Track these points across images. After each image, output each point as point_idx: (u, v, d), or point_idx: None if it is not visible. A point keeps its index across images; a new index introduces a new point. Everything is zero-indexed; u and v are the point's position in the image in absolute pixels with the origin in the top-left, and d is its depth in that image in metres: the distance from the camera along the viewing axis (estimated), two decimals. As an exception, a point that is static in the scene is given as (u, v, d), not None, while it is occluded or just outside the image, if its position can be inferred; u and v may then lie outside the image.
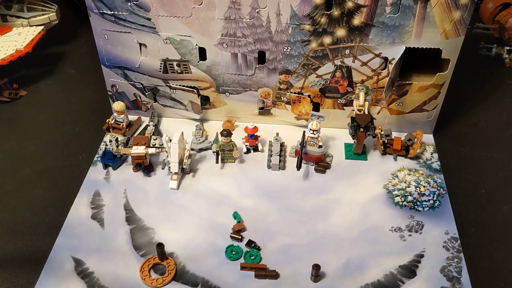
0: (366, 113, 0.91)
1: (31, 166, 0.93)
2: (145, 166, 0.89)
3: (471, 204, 0.86)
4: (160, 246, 0.74)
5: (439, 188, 0.88)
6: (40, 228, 0.82)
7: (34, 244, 0.80)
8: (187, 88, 0.96)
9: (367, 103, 0.91)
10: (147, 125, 1.00)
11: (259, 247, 0.78)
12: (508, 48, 1.19)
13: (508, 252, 0.80)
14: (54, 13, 1.19)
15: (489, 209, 0.86)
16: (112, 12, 0.88)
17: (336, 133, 0.98)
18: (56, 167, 0.93)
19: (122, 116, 0.97)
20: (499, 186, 0.90)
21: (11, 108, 1.07)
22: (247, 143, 0.94)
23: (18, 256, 0.78)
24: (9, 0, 1.19)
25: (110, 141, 0.91)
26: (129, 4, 0.86)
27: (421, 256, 0.78)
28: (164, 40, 0.90)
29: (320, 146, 0.90)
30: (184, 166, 0.89)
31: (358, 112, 0.91)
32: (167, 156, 0.88)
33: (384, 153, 0.94)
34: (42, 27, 1.17)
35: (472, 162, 0.94)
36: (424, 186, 0.88)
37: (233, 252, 0.77)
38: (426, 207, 0.85)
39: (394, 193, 0.87)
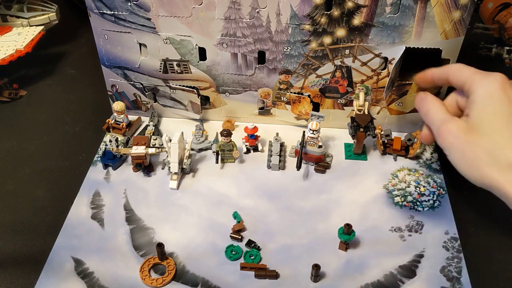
0: (366, 113, 0.91)
1: (31, 166, 0.93)
2: (145, 166, 0.90)
3: (471, 204, 0.86)
4: (160, 246, 0.74)
5: (439, 188, 0.88)
6: (40, 228, 0.82)
7: (34, 244, 0.80)
8: (187, 88, 0.96)
9: (367, 103, 0.92)
10: (147, 125, 1.00)
11: (259, 247, 0.78)
12: (508, 48, 1.19)
13: (508, 252, 0.80)
14: (54, 13, 1.19)
15: (489, 209, 0.85)
16: (112, 12, 0.88)
17: (336, 133, 0.98)
18: (56, 167, 0.93)
19: (122, 116, 0.97)
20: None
21: (11, 108, 1.07)
22: (247, 143, 0.94)
23: (18, 256, 0.78)
24: (9, 0, 1.19)
25: (110, 141, 0.91)
26: (129, 4, 0.86)
27: (421, 256, 0.78)
28: (164, 40, 0.90)
29: (320, 146, 0.90)
30: (184, 166, 0.89)
31: (358, 112, 0.91)
32: (167, 156, 0.88)
33: (384, 153, 0.94)
34: (42, 27, 1.17)
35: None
36: (424, 186, 0.88)
37: (233, 252, 0.77)
38: (426, 207, 0.85)
39: (394, 193, 0.87)
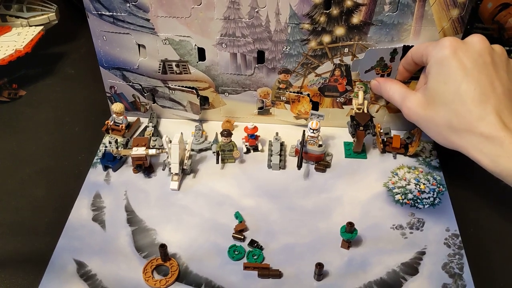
0: (366, 111, 0.91)
1: (30, 166, 0.93)
2: (146, 167, 0.89)
3: (471, 201, 0.87)
4: (162, 247, 0.74)
5: (438, 185, 0.88)
6: (40, 229, 0.82)
7: (34, 244, 0.80)
8: (186, 89, 0.96)
9: (366, 101, 0.92)
10: (146, 126, 0.99)
11: (261, 246, 0.78)
12: (507, 48, 1.19)
13: (509, 247, 0.80)
14: (54, 13, 1.18)
15: (489, 205, 0.86)
16: (111, 13, 0.87)
17: (335, 132, 0.98)
18: (56, 167, 0.93)
19: (121, 117, 0.96)
20: (498, 182, 0.90)
21: (11, 108, 1.07)
22: (247, 143, 0.94)
23: (18, 257, 0.78)
24: (8, 0, 1.18)
25: (110, 142, 0.91)
26: (128, 5, 0.86)
27: (423, 253, 0.78)
28: (163, 40, 0.90)
29: (320, 145, 0.90)
30: (185, 167, 0.89)
31: (357, 111, 0.91)
32: (168, 157, 0.88)
33: (383, 151, 0.94)
34: (42, 27, 1.16)
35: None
36: (424, 184, 0.88)
37: (236, 252, 0.77)
38: (426, 205, 0.85)
39: (394, 191, 0.87)
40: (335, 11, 0.83)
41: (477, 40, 0.75)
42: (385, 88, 0.86)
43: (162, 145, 0.92)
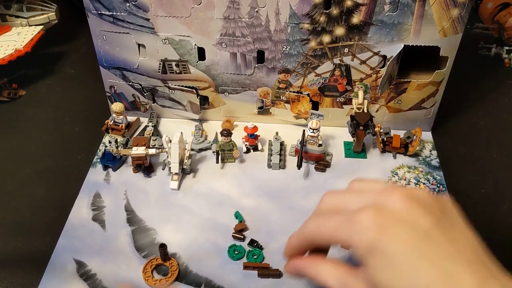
0: (365, 111, 0.91)
1: (31, 166, 0.93)
2: (146, 167, 0.89)
3: (471, 201, 0.87)
4: (162, 246, 0.74)
5: (438, 185, 0.88)
6: (40, 229, 0.82)
7: (34, 244, 0.80)
8: (186, 88, 0.96)
9: (366, 101, 0.92)
10: (146, 126, 0.99)
11: (261, 246, 0.78)
12: (507, 48, 1.19)
13: (508, 247, 0.80)
14: (54, 13, 1.18)
15: (488, 206, 0.86)
16: (111, 13, 0.87)
17: (335, 132, 0.98)
18: (56, 167, 0.93)
19: (121, 117, 0.97)
20: (498, 184, 0.90)
21: (11, 108, 1.07)
22: (247, 143, 0.94)
23: (18, 257, 0.78)
24: (8, 0, 1.18)
25: (110, 142, 0.91)
26: (128, 4, 0.86)
27: (422, 253, 0.78)
28: (163, 40, 0.90)
29: (320, 145, 0.90)
30: (185, 167, 0.89)
31: (357, 111, 0.91)
32: (167, 157, 0.88)
33: (383, 151, 0.94)
34: (42, 26, 1.16)
35: (471, 160, 0.94)
36: (424, 183, 0.88)
37: (236, 252, 0.77)
38: (426, 205, 0.85)
39: (394, 190, 0.87)
40: (335, 11, 0.83)
41: (398, 202, 0.51)
42: (312, 272, 0.59)
43: (162, 144, 0.92)
